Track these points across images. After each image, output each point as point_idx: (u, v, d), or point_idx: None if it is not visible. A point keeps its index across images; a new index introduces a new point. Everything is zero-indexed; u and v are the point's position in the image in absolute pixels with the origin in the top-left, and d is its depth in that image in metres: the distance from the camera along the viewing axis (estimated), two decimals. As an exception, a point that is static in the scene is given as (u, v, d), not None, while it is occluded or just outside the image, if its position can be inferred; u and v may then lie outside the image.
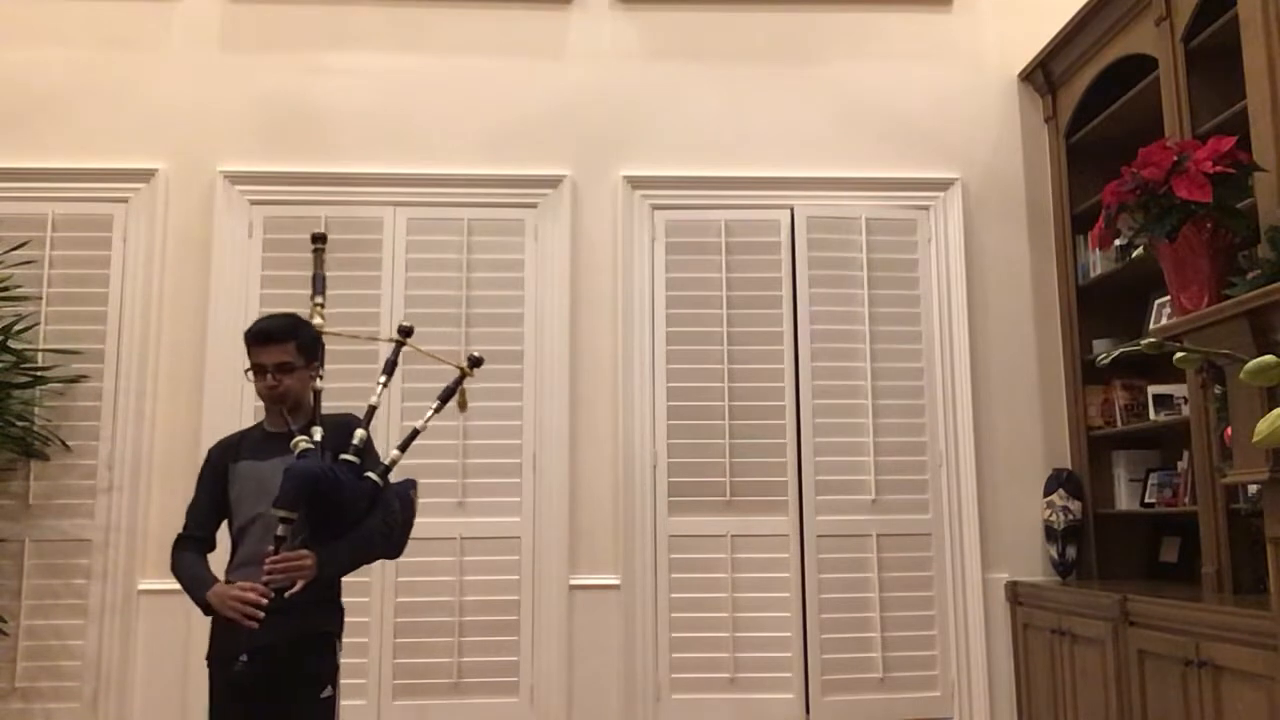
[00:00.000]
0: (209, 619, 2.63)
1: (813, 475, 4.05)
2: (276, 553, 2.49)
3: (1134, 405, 3.90)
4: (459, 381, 2.88)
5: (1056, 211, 4.26)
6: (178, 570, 2.69)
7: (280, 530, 2.48)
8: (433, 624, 3.87)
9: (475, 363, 2.93)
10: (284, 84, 4.22)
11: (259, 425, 2.81)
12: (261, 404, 2.81)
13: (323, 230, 3.26)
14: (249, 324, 2.77)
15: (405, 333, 2.90)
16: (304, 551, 2.52)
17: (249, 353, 2.69)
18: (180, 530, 2.75)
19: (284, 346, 2.66)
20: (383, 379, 2.83)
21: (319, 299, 2.89)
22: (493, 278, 4.12)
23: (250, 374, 2.71)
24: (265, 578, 2.49)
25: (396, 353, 2.86)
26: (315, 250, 2.96)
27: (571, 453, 4.03)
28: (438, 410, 2.84)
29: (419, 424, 2.82)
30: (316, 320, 2.81)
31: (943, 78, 4.37)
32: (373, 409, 2.78)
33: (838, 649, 3.95)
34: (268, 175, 4.12)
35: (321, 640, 2.64)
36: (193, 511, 2.75)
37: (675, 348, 4.11)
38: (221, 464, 2.74)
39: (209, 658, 2.66)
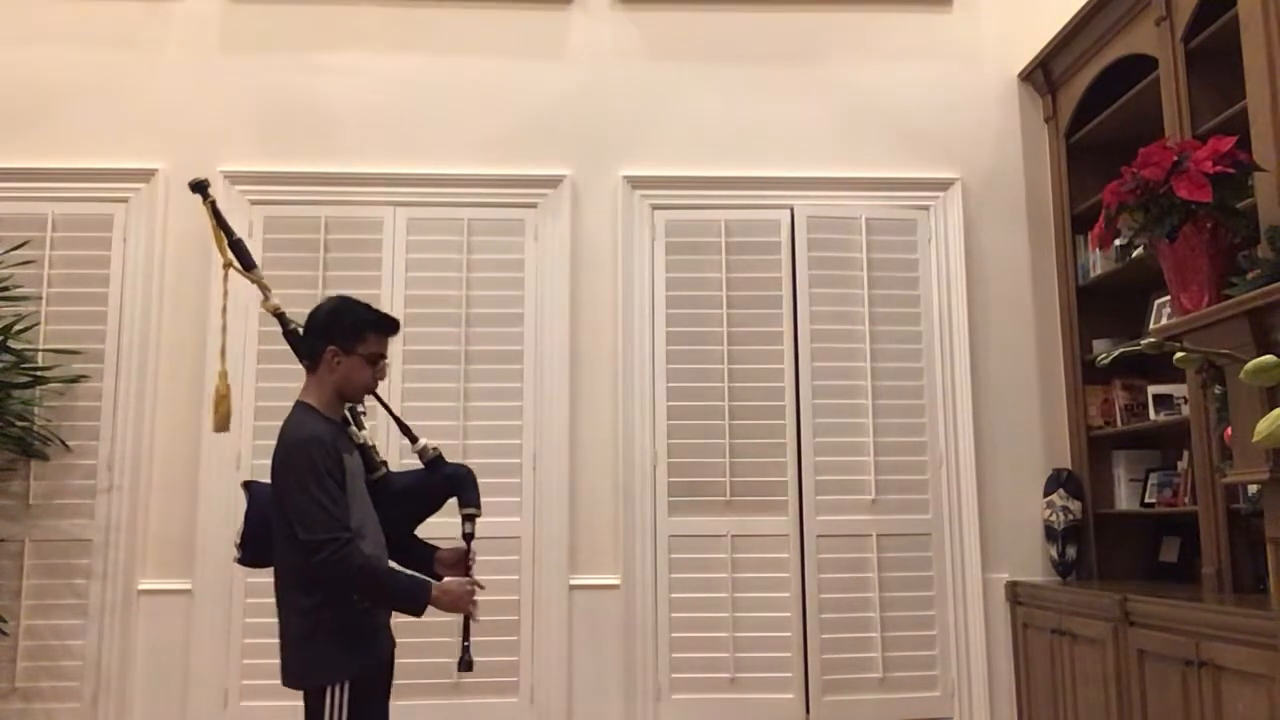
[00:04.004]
0: (327, 624, 2.42)
1: (812, 475, 4.05)
2: (468, 551, 2.66)
3: (1134, 405, 3.90)
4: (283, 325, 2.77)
5: (1056, 211, 4.26)
6: (387, 576, 2.46)
7: (469, 529, 2.65)
8: (432, 624, 3.84)
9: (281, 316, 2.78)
10: (284, 84, 4.22)
11: (322, 416, 2.48)
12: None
13: (212, 183, 2.89)
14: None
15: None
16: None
17: (375, 341, 2.52)
18: (338, 533, 2.34)
19: None
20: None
21: (257, 271, 2.81)
22: (493, 278, 4.12)
23: (358, 360, 2.51)
24: (472, 575, 2.67)
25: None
26: (208, 204, 2.77)
27: (571, 453, 4.02)
28: None
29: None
30: (273, 301, 2.75)
31: (943, 78, 4.36)
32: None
33: (838, 649, 3.95)
34: (268, 175, 4.12)
35: None
36: (341, 506, 2.37)
37: (675, 348, 4.11)
38: (339, 454, 2.41)
39: (363, 666, 2.47)
